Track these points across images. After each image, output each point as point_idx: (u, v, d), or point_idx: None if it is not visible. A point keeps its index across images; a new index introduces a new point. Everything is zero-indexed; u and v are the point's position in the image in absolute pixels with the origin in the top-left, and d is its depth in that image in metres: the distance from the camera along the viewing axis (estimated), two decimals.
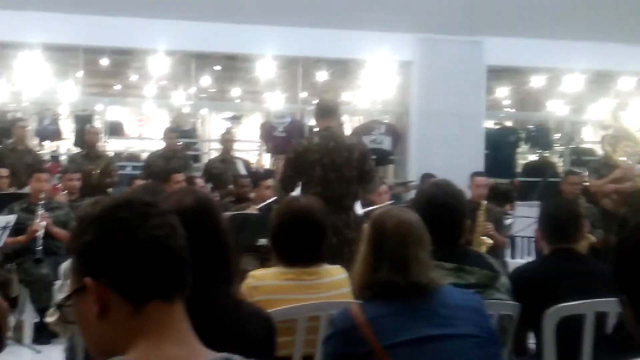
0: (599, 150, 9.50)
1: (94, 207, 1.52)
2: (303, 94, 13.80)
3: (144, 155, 12.18)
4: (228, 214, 6.81)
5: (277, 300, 3.11)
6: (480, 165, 10.34)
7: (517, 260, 7.53)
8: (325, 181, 5.35)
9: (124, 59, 13.64)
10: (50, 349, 6.19)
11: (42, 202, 6.90)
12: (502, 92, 15.89)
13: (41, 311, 6.21)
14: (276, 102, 13.93)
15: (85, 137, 10.03)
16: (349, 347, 2.58)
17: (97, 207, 1.51)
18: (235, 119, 16.35)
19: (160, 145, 10.47)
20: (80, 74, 11.67)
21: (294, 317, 3.10)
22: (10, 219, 6.44)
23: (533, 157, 13.52)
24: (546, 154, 13.08)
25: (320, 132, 5.56)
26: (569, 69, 11.46)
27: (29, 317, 6.61)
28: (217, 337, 1.59)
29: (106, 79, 16.34)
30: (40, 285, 6.48)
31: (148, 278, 1.47)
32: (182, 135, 12.74)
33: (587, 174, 8.24)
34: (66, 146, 13.50)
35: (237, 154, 10.88)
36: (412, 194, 8.85)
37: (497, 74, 13.23)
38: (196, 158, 12.53)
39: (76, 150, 11.41)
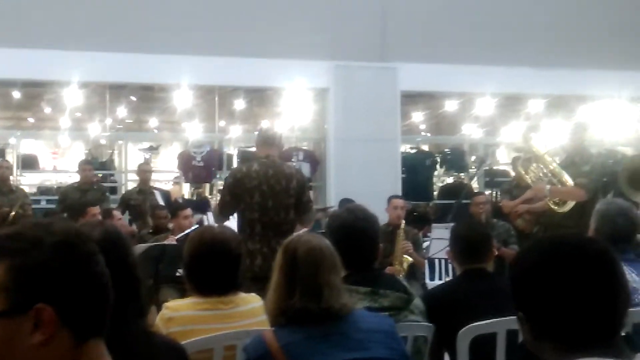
0: (512, 172, 9.74)
1: (47, 229, 1.41)
2: (221, 123, 13.79)
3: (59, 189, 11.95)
4: (146, 245, 6.75)
5: (193, 331, 3.10)
6: (397, 189, 10.47)
7: (436, 282, 7.63)
8: (263, 208, 5.43)
9: (37, 91, 13.41)
10: None
11: None
12: (418, 117, 16.15)
13: None
14: (194, 131, 13.86)
15: None
16: None
17: (56, 231, 1.41)
18: (153, 149, 16.18)
19: (75, 177, 10.29)
20: None
21: (209, 347, 3.09)
22: None
23: (449, 180, 13.77)
24: (462, 176, 13.33)
25: (260, 159, 5.61)
26: (481, 93, 11.73)
27: None
28: None
29: (19, 111, 16.02)
30: None
31: (95, 314, 1.43)
32: (98, 167, 12.57)
33: (500, 195, 8.42)
34: None
35: (155, 184, 10.78)
36: None
37: (412, 99, 13.46)
38: (113, 190, 12.35)
39: None
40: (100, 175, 11.39)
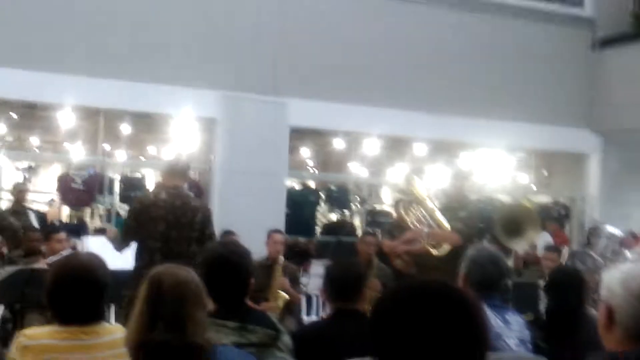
0: (394, 212, 9.87)
1: None
2: (106, 146, 13.51)
3: None
4: (13, 268, 6.50)
5: None
6: (281, 223, 10.47)
7: (313, 318, 7.66)
8: (166, 237, 5.38)
9: None
10: None
11: None
12: (306, 153, 16.27)
13: None
14: (77, 153, 13.52)
15: None
16: None
17: None
18: (31, 169, 15.69)
19: None
20: None
21: None
22: None
23: (333, 217, 13.88)
24: (345, 214, 13.45)
25: (168, 189, 5.52)
26: (368, 133, 11.90)
27: None
28: None
29: None
30: None
31: None
32: None
33: (382, 234, 8.53)
34: None
35: (32, 205, 10.43)
36: None
37: (301, 134, 13.54)
38: None
39: None
40: None
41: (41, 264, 7.02)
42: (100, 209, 12.72)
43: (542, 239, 10.73)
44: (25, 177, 14.44)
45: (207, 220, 5.60)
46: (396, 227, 8.19)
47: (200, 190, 11.05)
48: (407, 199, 7.28)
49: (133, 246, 5.68)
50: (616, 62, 12.52)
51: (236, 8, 10.52)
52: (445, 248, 6.56)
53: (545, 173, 16.06)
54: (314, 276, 7.69)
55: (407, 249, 7.04)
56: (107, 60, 9.80)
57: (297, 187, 13.05)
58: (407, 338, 1.67)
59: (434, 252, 6.60)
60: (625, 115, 12.26)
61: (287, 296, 7.09)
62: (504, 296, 6.21)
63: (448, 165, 13.24)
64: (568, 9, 12.65)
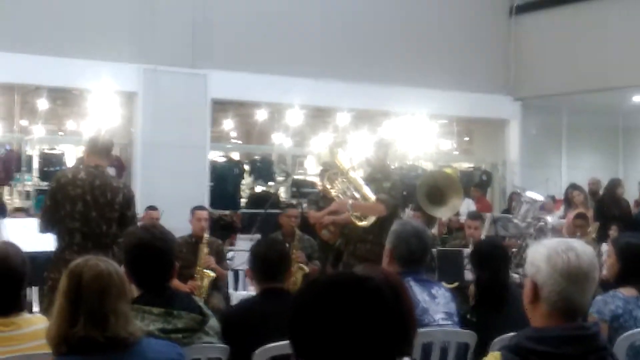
0: (319, 183, 9.88)
1: None
2: (23, 122, 13.16)
3: None
4: None
5: None
6: (205, 196, 10.39)
7: (241, 293, 7.64)
8: (86, 217, 5.20)
9: None
10: None
11: None
12: (229, 125, 16.13)
13: None
14: None
15: None
16: None
17: None
18: None
19: None
20: None
21: None
22: None
23: (258, 189, 13.81)
24: (270, 185, 13.40)
25: (88, 167, 5.34)
26: (290, 104, 11.86)
27: None
28: None
29: None
30: None
31: None
32: None
33: (307, 205, 8.52)
34: None
35: None
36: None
37: (223, 106, 13.41)
38: None
39: None
40: None
41: None
42: (19, 186, 12.38)
43: (465, 206, 10.91)
44: None
45: (128, 201, 5.46)
46: (322, 198, 8.18)
47: (121, 165, 10.87)
48: (332, 170, 7.26)
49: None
50: (533, 28, 12.73)
51: None
52: (371, 219, 6.59)
53: (467, 139, 16.35)
54: (240, 252, 7.67)
55: (333, 219, 7.02)
56: (21, 35, 9.52)
57: (221, 159, 12.91)
58: (325, 334, 1.66)
59: (360, 223, 6.62)
60: (543, 81, 12.51)
61: (213, 274, 7.03)
62: (429, 265, 6.31)
63: (371, 134, 13.29)
64: None
